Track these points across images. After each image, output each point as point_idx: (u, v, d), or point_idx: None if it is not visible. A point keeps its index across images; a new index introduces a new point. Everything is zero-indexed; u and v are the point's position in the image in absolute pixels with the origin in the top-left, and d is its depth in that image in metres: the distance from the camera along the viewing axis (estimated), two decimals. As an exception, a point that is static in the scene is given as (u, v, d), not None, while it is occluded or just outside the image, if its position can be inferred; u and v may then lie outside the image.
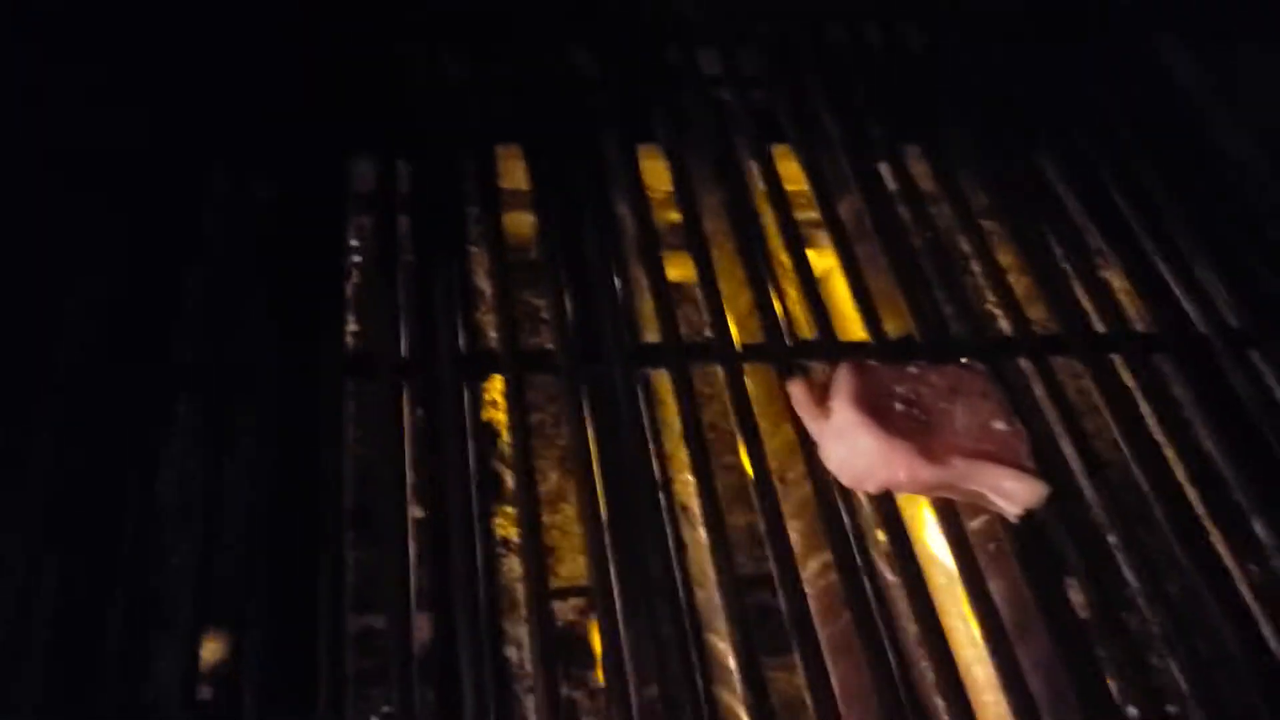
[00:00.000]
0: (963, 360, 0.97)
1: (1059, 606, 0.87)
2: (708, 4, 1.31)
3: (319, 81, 1.21)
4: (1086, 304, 1.10)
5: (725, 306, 1.09)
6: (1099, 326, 1.08)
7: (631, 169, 1.16)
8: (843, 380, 0.88)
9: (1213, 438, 1.00)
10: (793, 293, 1.09)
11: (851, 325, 1.11)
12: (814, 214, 1.19)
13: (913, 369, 0.91)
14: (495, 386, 1.02)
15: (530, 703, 0.90)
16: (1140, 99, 1.33)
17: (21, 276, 0.99)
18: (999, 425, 0.88)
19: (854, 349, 1.01)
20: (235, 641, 0.84)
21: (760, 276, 1.06)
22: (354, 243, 1.21)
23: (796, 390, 0.90)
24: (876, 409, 0.87)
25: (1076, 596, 0.90)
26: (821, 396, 0.90)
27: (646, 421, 0.96)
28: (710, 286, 1.04)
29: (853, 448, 0.86)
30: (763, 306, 1.03)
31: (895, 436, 0.85)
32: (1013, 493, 0.86)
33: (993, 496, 0.87)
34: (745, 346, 1.00)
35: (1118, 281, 1.15)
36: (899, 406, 0.88)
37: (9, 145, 1.04)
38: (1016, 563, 0.90)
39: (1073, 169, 1.24)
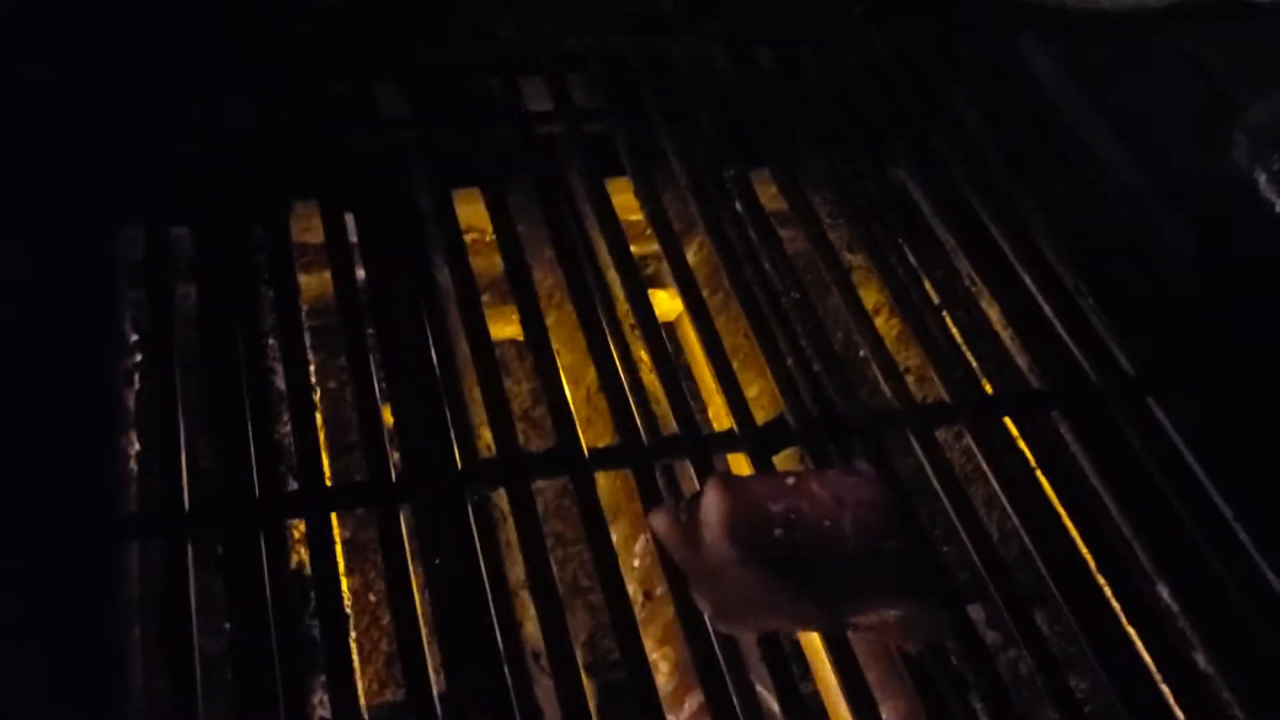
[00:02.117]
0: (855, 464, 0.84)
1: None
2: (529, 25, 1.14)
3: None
4: (966, 351, 1.00)
5: (568, 386, 0.95)
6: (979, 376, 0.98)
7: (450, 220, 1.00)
8: (713, 504, 0.75)
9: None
10: (644, 363, 0.95)
11: (712, 394, 0.99)
12: (656, 248, 1.06)
13: (790, 479, 0.78)
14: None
15: None
16: (1005, 106, 1.22)
17: None
18: (893, 544, 0.76)
19: (719, 442, 0.88)
20: None
21: (607, 355, 0.91)
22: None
23: (659, 524, 0.76)
24: (753, 538, 0.74)
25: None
26: (689, 522, 0.77)
27: (481, 549, 0.80)
28: (551, 378, 0.89)
29: (728, 589, 0.73)
30: (613, 396, 0.88)
31: (776, 574, 0.72)
32: (914, 627, 0.74)
33: (891, 631, 0.75)
34: (594, 451, 0.86)
35: (994, 316, 1.05)
36: (779, 531, 0.75)
37: None
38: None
39: (937, 188, 1.13)
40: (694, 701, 0.81)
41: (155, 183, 0.98)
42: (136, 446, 0.89)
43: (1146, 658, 0.83)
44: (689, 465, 0.86)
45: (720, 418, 0.98)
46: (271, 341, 0.92)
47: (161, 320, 0.88)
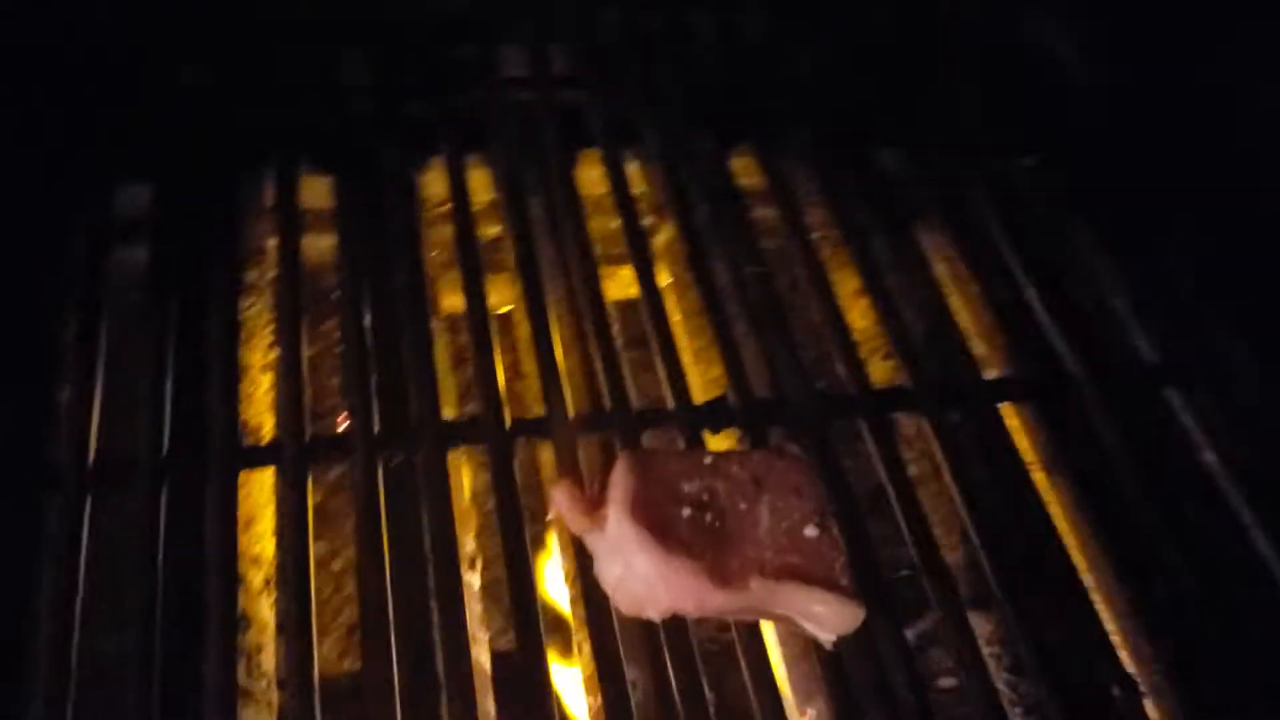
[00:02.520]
0: (778, 443, 0.80)
1: None
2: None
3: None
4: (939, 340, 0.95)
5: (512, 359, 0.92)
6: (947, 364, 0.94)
7: (457, 185, 0.98)
8: (619, 480, 0.71)
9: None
10: (590, 339, 0.92)
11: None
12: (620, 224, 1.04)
13: (708, 459, 0.74)
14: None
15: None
16: (997, 83, 1.16)
17: None
18: (809, 532, 0.71)
19: (651, 418, 0.84)
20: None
21: (544, 328, 0.88)
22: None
23: (562, 498, 0.73)
24: (658, 518, 0.70)
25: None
26: (597, 496, 0.73)
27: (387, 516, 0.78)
28: (484, 350, 0.86)
29: (629, 568, 0.69)
30: (545, 370, 0.85)
31: (680, 556, 0.68)
32: (824, 618, 0.70)
33: (801, 621, 0.71)
34: (518, 422, 0.83)
35: (969, 312, 1.00)
36: (687, 511, 0.71)
37: None
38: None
39: (924, 168, 1.08)
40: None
41: (116, 141, 0.97)
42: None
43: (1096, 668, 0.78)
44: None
45: (666, 396, 0.94)
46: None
47: (96, 277, 0.88)
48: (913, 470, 0.94)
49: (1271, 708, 0.77)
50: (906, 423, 0.93)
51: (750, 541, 0.71)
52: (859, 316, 1.02)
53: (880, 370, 0.97)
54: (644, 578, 0.69)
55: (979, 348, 0.98)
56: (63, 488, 0.75)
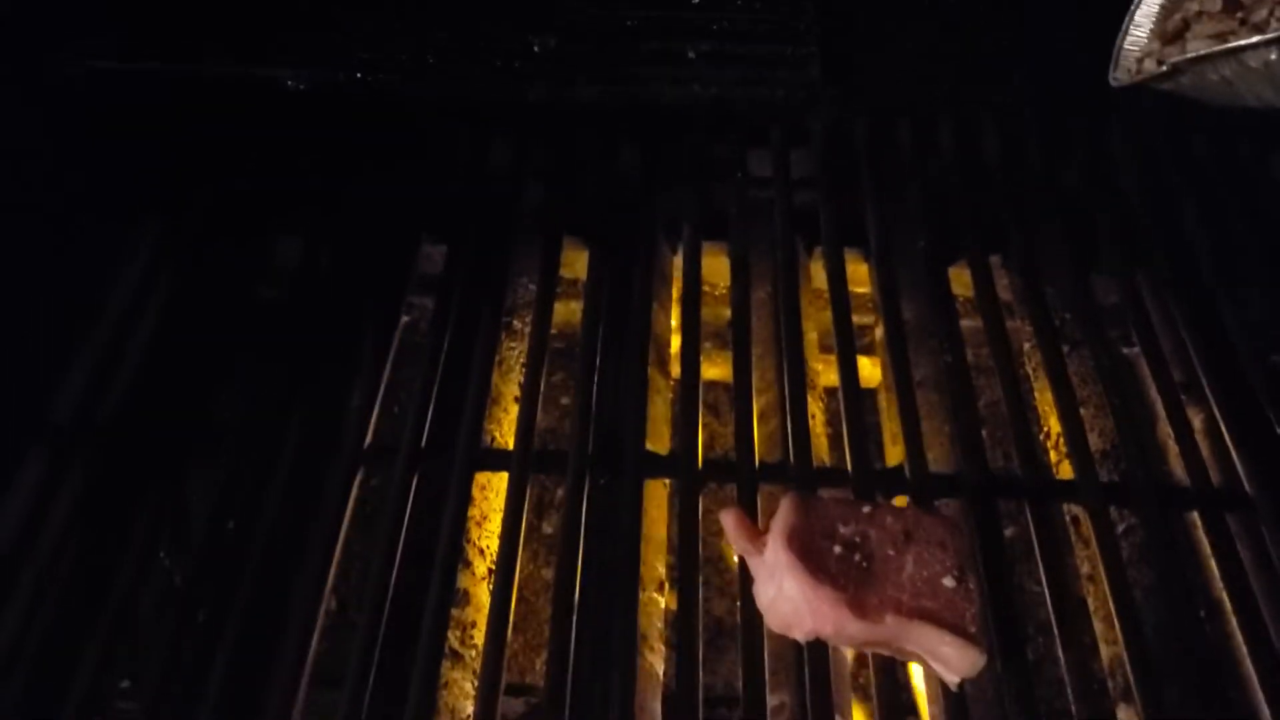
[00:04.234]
0: (939, 506, 0.89)
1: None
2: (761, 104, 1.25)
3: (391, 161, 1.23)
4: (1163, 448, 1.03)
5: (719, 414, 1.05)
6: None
7: (691, 266, 1.12)
8: (781, 514, 0.82)
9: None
10: (813, 410, 1.04)
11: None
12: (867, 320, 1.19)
13: (866, 508, 0.83)
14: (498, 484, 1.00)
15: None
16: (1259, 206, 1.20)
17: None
18: (948, 582, 0.79)
19: (828, 476, 0.95)
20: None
21: (746, 390, 1.00)
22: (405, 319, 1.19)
23: (730, 521, 0.84)
24: (811, 550, 0.80)
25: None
26: (762, 527, 0.84)
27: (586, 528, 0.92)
28: (690, 400, 0.99)
29: (780, 591, 0.80)
30: (740, 422, 0.97)
31: (824, 584, 0.78)
32: (949, 659, 0.77)
33: (930, 659, 0.78)
34: (710, 463, 0.95)
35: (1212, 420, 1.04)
36: (838, 549, 0.81)
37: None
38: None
39: (1176, 288, 1.13)
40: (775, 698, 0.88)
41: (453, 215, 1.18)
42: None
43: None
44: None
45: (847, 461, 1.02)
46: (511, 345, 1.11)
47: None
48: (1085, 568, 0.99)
49: None
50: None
51: (891, 583, 0.79)
52: (1048, 414, 1.07)
53: (1064, 469, 1.03)
54: (792, 600, 0.79)
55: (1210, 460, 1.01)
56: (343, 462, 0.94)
